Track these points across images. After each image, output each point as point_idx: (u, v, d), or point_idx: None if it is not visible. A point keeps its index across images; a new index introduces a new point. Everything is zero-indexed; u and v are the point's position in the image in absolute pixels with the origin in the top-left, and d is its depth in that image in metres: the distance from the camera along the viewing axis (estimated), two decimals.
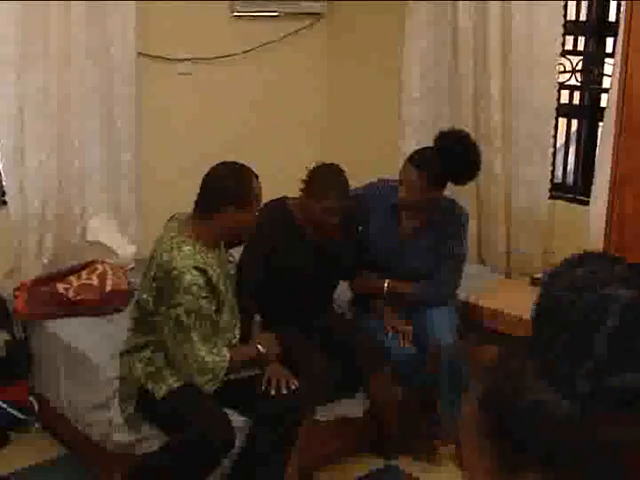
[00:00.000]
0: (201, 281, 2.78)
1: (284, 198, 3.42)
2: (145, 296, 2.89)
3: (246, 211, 2.88)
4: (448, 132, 3.50)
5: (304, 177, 3.26)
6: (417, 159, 3.42)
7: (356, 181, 3.72)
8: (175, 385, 2.90)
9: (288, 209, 3.38)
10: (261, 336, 3.11)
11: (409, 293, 3.53)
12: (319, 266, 3.40)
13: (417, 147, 3.63)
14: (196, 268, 2.78)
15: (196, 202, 2.91)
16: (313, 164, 3.29)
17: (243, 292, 3.18)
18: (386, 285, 3.52)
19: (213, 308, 2.86)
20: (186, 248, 2.81)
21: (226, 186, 2.85)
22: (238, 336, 3.08)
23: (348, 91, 5.00)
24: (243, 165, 2.92)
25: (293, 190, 3.46)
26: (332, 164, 3.29)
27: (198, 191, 2.93)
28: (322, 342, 3.39)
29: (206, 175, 2.91)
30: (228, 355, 2.87)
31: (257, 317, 3.22)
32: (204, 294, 2.80)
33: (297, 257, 3.36)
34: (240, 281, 3.18)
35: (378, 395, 3.43)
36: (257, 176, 2.92)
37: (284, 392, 3.00)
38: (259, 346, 3.01)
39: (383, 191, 3.58)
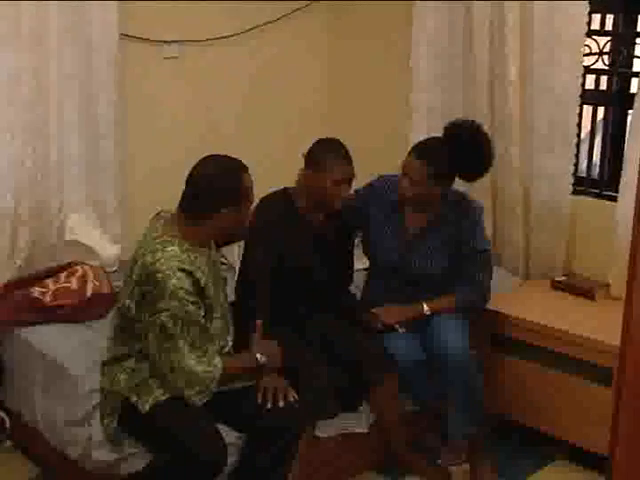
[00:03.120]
0: (188, 284, 2.77)
1: (284, 188, 3.48)
2: (127, 302, 2.87)
3: (240, 209, 2.89)
4: (458, 122, 3.50)
5: (306, 152, 3.41)
6: (421, 150, 3.42)
7: (359, 176, 3.70)
8: (162, 397, 2.87)
9: (289, 198, 3.44)
10: (263, 344, 3.06)
11: (453, 306, 3.50)
12: (320, 256, 3.46)
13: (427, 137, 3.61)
14: (182, 270, 2.77)
15: (184, 202, 2.90)
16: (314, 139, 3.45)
17: (258, 291, 3.25)
18: (427, 310, 3.49)
19: (202, 313, 2.84)
20: (170, 249, 2.81)
21: (220, 186, 2.85)
22: (231, 343, 3.06)
23: (351, 77, 4.99)
24: (233, 159, 2.93)
25: (291, 182, 3.49)
26: (334, 138, 3.43)
27: (184, 188, 2.92)
28: (322, 350, 3.39)
29: (193, 173, 2.91)
30: (220, 364, 2.85)
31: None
32: (192, 298, 2.79)
33: (299, 246, 3.40)
34: (249, 280, 3.25)
35: (383, 406, 3.42)
36: (247, 169, 2.93)
37: (281, 405, 2.97)
38: (259, 355, 2.98)
39: (383, 189, 3.60)
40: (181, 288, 2.75)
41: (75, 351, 3.33)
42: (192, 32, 4.39)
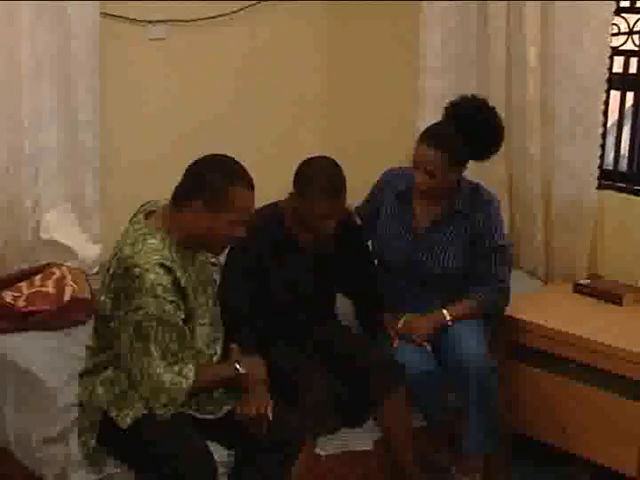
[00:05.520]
0: (167, 281, 2.77)
1: (275, 203, 3.46)
2: (103, 298, 2.88)
3: (217, 217, 2.84)
4: (460, 100, 3.54)
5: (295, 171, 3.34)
6: (433, 137, 3.43)
7: (363, 170, 3.68)
8: (144, 411, 2.85)
9: (279, 215, 3.41)
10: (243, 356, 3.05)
11: (475, 310, 3.52)
12: (317, 280, 3.44)
13: None
14: (162, 266, 2.77)
15: (174, 191, 2.92)
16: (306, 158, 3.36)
17: (239, 323, 3.21)
18: (449, 317, 3.49)
19: (181, 315, 2.83)
20: (152, 241, 2.81)
21: (204, 177, 2.85)
22: (220, 352, 3.06)
23: (354, 60, 4.98)
24: (239, 165, 2.90)
25: (287, 181, 3.44)
26: (326, 157, 3.35)
27: (178, 179, 2.93)
28: (323, 360, 3.39)
29: (193, 163, 2.93)
30: (192, 374, 2.83)
31: None
32: (170, 297, 2.79)
33: (290, 271, 3.38)
34: (227, 306, 3.20)
35: (390, 421, 3.41)
36: (249, 185, 2.88)
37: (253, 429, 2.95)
38: (237, 365, 2.96)
39: (390, 182, 3.64)
40: (159, 284, 2.75)
41: (51, 361, 3.31)
42: (180, 11, 4.37)
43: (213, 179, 2.83)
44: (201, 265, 3.01)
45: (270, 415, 2.95)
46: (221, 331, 3.08)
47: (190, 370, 2.83)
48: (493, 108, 3.52)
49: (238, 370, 2.95)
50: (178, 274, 2.80)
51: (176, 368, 2.80)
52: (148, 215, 2.92)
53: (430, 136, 3.43)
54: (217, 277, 3.30)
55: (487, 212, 3.51)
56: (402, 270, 3.56)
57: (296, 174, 3.31)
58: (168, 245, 2.82)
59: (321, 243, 3.40)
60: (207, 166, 2.88)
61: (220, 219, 2.84)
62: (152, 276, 2.73)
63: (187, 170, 2.90)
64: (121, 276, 2.78)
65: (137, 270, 2.74)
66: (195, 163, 2.91)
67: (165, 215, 2.89)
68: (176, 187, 2.90)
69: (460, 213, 3.51)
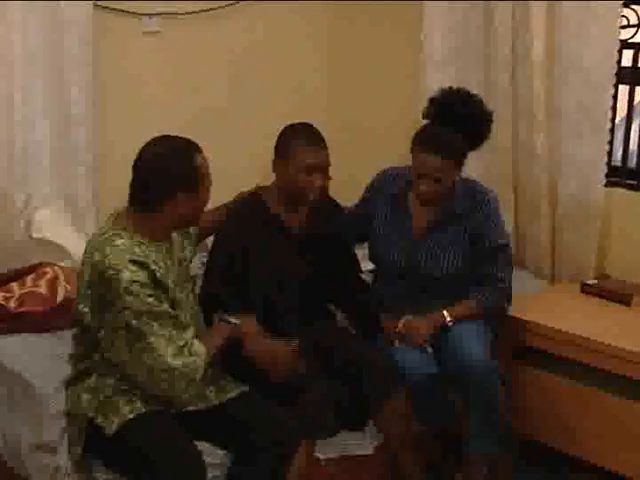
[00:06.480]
0: (142, 277, 2.78)
1: (256, 188, 3.46)
2: (80, 307, 2.88)
3: (197, 193, 2.90)
4: (441, 94, 3.48)
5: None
6: (436, 143, 3.37)
7: (364, 167, 3.66)
8: (129, 416, 2.86)
9: (261, 200, 3.41)
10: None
11: (475, 310, 3.51)
12: (305, 264, 3.43)
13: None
14: (134, 262, 2.78)
15: (132, 191, 2.91)
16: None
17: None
18: (449, 318, 3.48)
19: (166, 305, 2.84)
20: (119, 242, 2.83)
21: (172, 169, 2.85)
22: None
23: (354, 53, 4.98)
24: (182, 138, 2.94)
25: None
26: (305, 122, 3.40)
27: (132, 177, 2.93)
28: (322, 362, 3.37)
29: (140, 157, 2.91)
30: (203, 349, 2.86)
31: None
32: (149, 291, 2.79)
33: (277, 257, 3.37)
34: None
35: (391, 425, 3.39)
36: (200, 148, 2.93)
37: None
38: (226, 316, 3.00)
39: (384, 183, 3.64)
40: (135, 281, 2.75)
41: (43, 366, 3.31)
42: (175, 4, 4.37)
43: (177, 164, 2.85)
44: (180, 263, 3.03)
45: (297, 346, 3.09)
46: (202, 330, 3.07)
47: (199, 346, 2.86)
48: (473, 93, 3.48)
49: (231, 322, 3.00)
50: (152, 267, 2.81)
51: (185, 350, 2.82)
52: (111, 219, 2.93)
53: (432, 143, 3.36)
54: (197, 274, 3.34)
55: (486, 212, 3.50)
56: (400, 274, 3.56)
57: (278, 138, 3.36)
58: (138, 242, 2.83)
59: (311, 229, 3.41)
60: (161, 157, 2.86)
61: (199, 194, 2.90)
62: (126, 274, 2.74)
63: (143, 170, 2.88)
64: (97, 283, 2.79)
65: (110, 272, 2.75)
66: (144, 160, 2.88)
67: (127, 217, 2.89)
68: (139, 190, 2.88)
69: (458, 214, 3.49)
